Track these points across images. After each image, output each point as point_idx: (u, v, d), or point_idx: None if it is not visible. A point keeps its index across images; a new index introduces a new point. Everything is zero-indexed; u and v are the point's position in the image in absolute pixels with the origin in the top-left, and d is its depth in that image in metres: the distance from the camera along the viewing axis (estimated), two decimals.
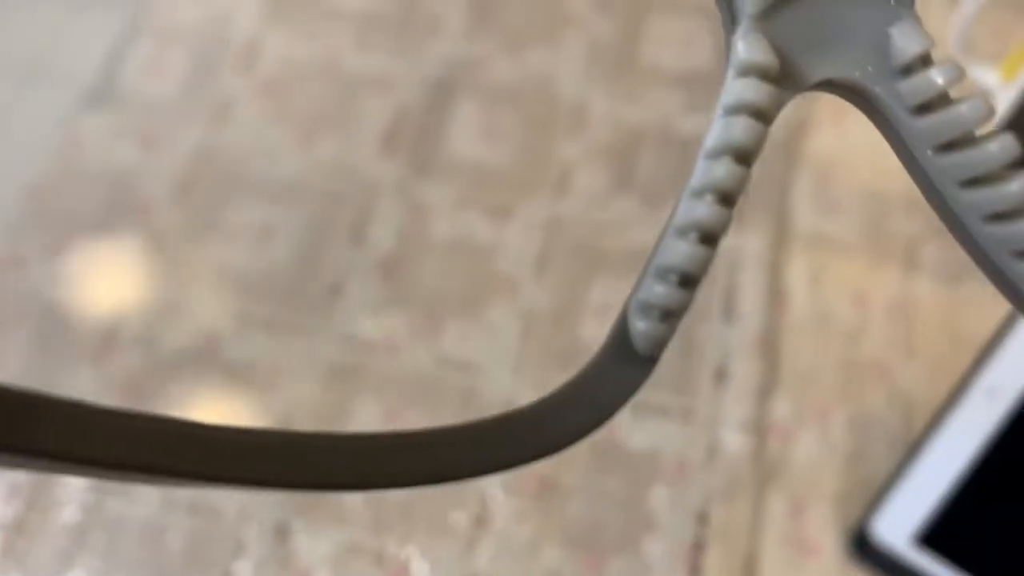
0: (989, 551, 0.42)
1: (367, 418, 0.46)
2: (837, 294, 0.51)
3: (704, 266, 0.13)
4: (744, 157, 0.12)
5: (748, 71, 0.11)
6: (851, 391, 0.48)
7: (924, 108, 0.11)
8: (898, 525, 0.43)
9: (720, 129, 0.12)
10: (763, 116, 0.11)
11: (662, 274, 0.13)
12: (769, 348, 0.49)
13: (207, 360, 0.48)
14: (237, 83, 0.58)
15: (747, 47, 0.11)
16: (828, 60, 0.11)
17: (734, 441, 0.46)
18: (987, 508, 0.41)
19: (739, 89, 0.12)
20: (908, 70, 0.11)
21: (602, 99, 0.57)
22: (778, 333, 0.50)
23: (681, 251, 0.13)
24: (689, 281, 0.13)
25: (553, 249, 0.51)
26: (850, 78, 0.11)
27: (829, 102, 0.60)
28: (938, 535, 0.42)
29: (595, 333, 0.49)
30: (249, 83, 0.58)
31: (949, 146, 0.12)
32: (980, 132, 0.12)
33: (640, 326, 0.13)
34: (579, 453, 0.45)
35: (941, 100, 0.11)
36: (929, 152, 0.12)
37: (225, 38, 0.60)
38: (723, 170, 0.12)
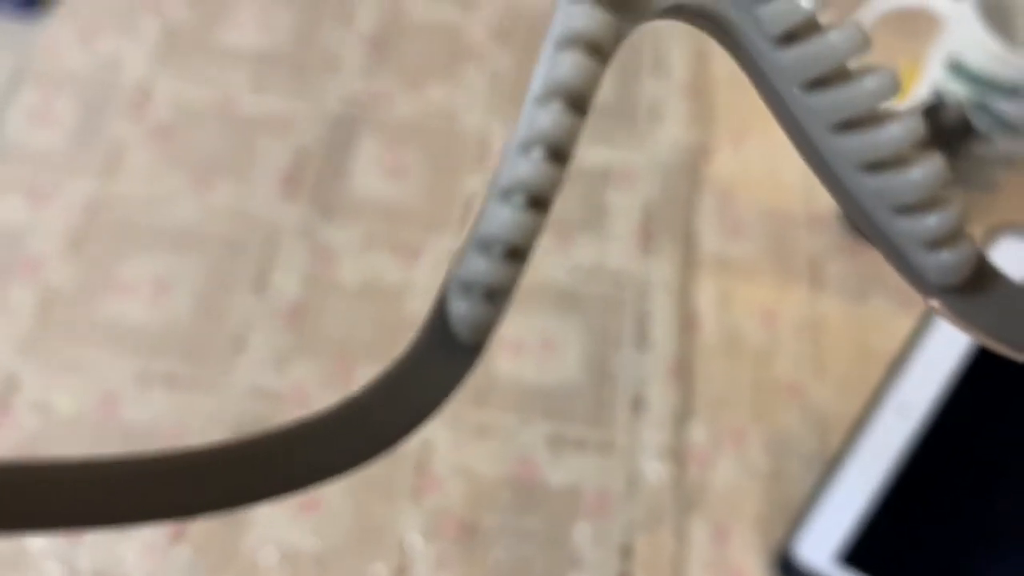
0: (911, 566, 0.42)
1: None
2: (746, 315, 0.51)
3: (533, 234, 0.11)
4: (577, 101, 0.10)
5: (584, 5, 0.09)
6: (765, 412, 0.49)
7: (789, 38, 0.10)
8: (820, 545, 0.43)
9: (548, 67, 0.10)
10: (598, 50, 0.10)
11: (484, 246, 0.11)
12: (683, 374, 0.49)
13: (105, 423, 0.45)
14: (128, 129, 0.56)
15: None
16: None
17: (654, 470, 0.46)
18: (906, 523, 0.42)
19: (571, 18, 0.10)
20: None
21: (504, 131, 0.57)
22: (691, 358, 0.50)
23: (505, 218, 0.11)
24: (516, 253, 0.11)
25: None
26: (702, 3, 0.10)
27: (729, 125, 0.61)
28: (860, 553, 0.43)
29: (509, 369, 0.48)
30: (141, 129, 0.56)
31: (819, 83, 0.10)
32: (853, 65, 0.10)
33: (460, 308, 0.11)
34: (498, 493, 0.44)
35: (808, 28, 0.09)
36: (795, 90, 0.10)
37: (114, 83, 0.58)
38: (552, 117, 0.10)
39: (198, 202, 0.53)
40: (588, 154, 0.56)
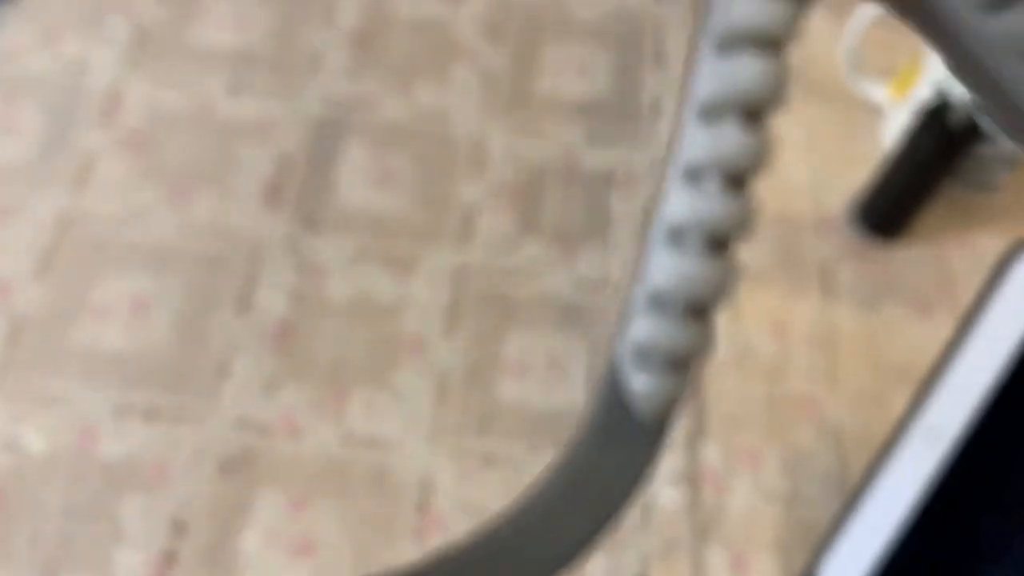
0: None
1: (270, 512, 0.42)
2: (757, 327, 0.49)
3: (716, 285, 0.09)
4: (757, 114, 0.08)
5: None
6: (780, 430, 0.46)
7: (999, 3, 0.08)
8: (846, 574, 0.41)
9: (718, 74, 0.08)
10: (776, 45, 0.07)
11: (657, 304, 0.09)
12: (695, 392, 0.47)
13: (81, 461, 0.42)
14: (98, 138, 0.53)
15: None
16: None
17: (668, 496, 0.44)
18: (936, 553, 0.40)
19: (738, 10, 0.07)
20: None
21: (500, 135, 0.54)
22: (702, 375, 0.47)
23: (677, 267, 0.09)
24: (699, 309, 0.09)
25: (462, 302, 0.48)
26: None
27: None
28: None
29: (515, 393, 0.45)
30: (112, 138, 0.53)
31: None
32: None
33: (639, 382, 0.10)
34: None
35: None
36: (1011, 61, 0.08)
37: (81, 88, 0.54)
38: (730, 136, 0.08)
39: (175, 216, 0.50)
40: (588, 157, 0.53)
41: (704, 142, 0.08)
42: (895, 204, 0.51)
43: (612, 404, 0.10)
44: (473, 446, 0.43)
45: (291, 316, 0.47)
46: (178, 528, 0.41)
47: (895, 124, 0.54)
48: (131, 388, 0.44)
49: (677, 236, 0.09)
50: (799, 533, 0.43)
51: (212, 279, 0.48)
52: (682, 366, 0.09)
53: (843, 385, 0.48)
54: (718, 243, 0.09)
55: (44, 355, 0.45)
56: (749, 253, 0.52)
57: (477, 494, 0.42)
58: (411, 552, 0.41)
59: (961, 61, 0.09)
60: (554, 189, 0.52)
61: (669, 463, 0.44)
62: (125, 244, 0.49)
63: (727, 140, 0.08)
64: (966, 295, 0.50)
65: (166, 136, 0.53)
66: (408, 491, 0.42)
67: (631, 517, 0.43)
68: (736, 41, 0.07)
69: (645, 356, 0.09)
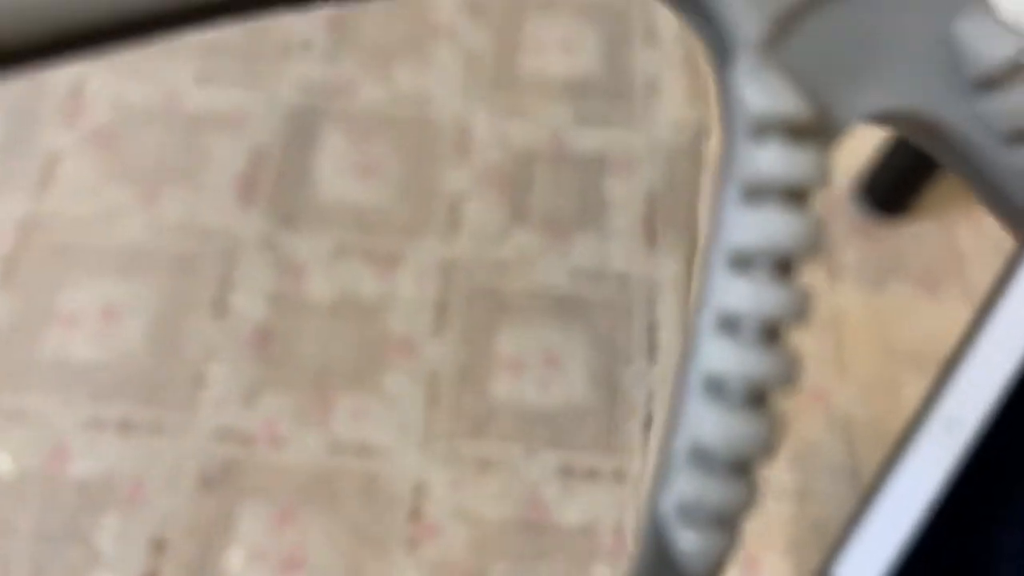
0: None
1: (255, 527, 0.39)
2: None
3: (761, 440, 0.08)
4: (788, 264, 0.08)
5: (769, 129, 0.07)
6: (787, 421, 0.44)
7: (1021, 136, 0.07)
8: (863, 573, 0.39)
9: (746, 224, 0.07)
10: (804, 196, 0.07)
11: (701, 459, 0.08)
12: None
13: (54, 480, 0.40)
14: (61, 136, 0.50)
15: (761, 93, 0.07)
16: (870, 88, 0.07)
17: None
18: (958, 549, 0.38)
19: (763, 162, 0.07)
20: (991, 83, 0.07)
21: (485, 118, 0.51)
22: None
23: (719, 422, 0.08)
24: (743, 465, 0.08)
25: (451, 298, 0.46)
26: (908, 105, 0.07)
27: None
28: None
29: (508, 391, 0.43)
30: (76, 135, 0.50)
31: None
32: None
33: (687, 540, 0.09)
34: (505, 538, 0.40)
35: None
36: None
37: (42, 82, 0.52)
38: (761, 288, 0.08)
39: (145, 216, 0.47)
40: (581, 139, 0.51)
41: (738, 292, 0.08)
42: (900, 179, 0.49)
43: (657, 563, 0.09)
44: (467, 450, 0.41)
45: (270, 319, 0.44)
46: (158, 548, 0.39)
47: None
48: (104, 401, 0.42)
49: (716, 388, 0.08)
50: (811, 531, 0.41)
51: (185, 282, 0.45)
52: (730, 522, 0.09)
53: (851, 372, 0.46)
54: (761, 396, 0.08)
55: (9, 368, 0.43)
56: None
57: (473, 501, 0.40)
58: (405, 564, 0.39)
59: (985, 191, 0.09)
60: (544, 174, 0.49)
61: None
62: (92, 247, 0.46)
63: (762, 292, 0.08)
64: (976, 273, 0.48)
65: (133, 132, 0.50)
66: (400, 500, 0.40)
67: (635, 523, 0.41)
68: (763, 192, 0.07)
69: (691, 513, 0.09)
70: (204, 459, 0.41)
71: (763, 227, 0.07)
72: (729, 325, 0.08)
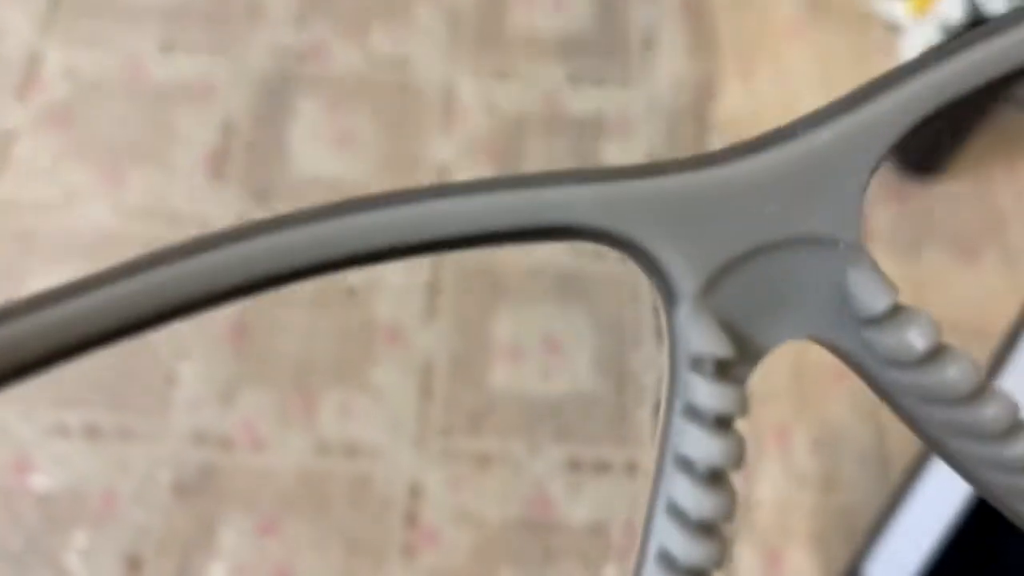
0: None
1: (236, 539, 0.36)
2: None
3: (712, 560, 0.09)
4: (717, 473, 0.09)
5: (703, 363, 0.09)
6: (810, 403, 0.41)
7: (902, 365, 0.09)
8: (895, 568, 0.36)
9: (687, 438, 0.09)
10: (728, 421, 0.09)
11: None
12: None
13: (17, 496, 0.37)
14: (17, 113, 0.46)
15: (698, 335, 0.09)
16: (784, 323, 0.09)
17: None
18: (996, 543, 0.35)
19: (697, 391, 0.09)
20: (874, 322, 0.09)
21: (470, 81, 0.47)
22: None
23: (674, 538, 0.09)
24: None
25: (442, 280, 0.42)
26: (813, 334, 0.09)
27: (735, 52, 0.51)
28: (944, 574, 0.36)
29: (508, 381, 0.40)
30: (32, 111, 0.46)
31: (937, 401, 0.10)
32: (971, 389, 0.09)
33: None
34: (509, 540, 0.37)
35: (922, 361, 0.09)
36: (915, 400, 0.10)
37: None
38: (701, 491, 0.09)
39: (109, 199, 0.44)
40: (575, 100, 0.47)
41: (682, 486, 0.09)
42: (934, 136, 0.45)
43: None
44: (465, 447, 0.38)
45: (246, 310, 0.41)
46: (132, 566, 0.36)
47: (916, 43, 0.48)
48: (68, 406, 0.38)
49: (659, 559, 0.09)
50: (837, 522, 0.38)
51: None
52: None
53: None
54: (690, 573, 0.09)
55: None
56: None
57: (473, 502, 0.37)
58: (402, 574, 0.36)
59: (879, 395, 0.10)
60: (536, 139, 0.46)
61: None
62: (54, 233, 0.43)
63: (697, 491, 0.09)
64: (1016, 236, 0.44)
65: (93, 107, 0.46)
66: (394, 503, 0.37)
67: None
68: (698, 414, 0.09)
69: None
70: (179, 466, 0.37)
71: (698, 443, 0.09)
72: (674, 509, 0.09)
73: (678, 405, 0.09)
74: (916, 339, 0.09)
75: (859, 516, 0.38)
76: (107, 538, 0.36)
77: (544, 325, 0.40)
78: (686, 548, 0.09)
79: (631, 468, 0.38)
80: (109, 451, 0.38)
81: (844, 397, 0.41)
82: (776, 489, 0.39)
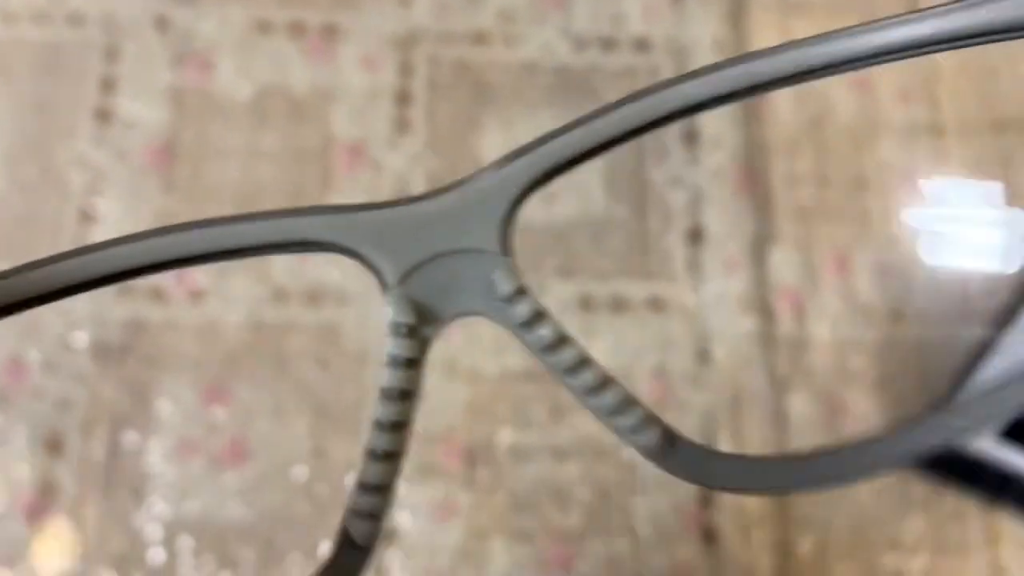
0: None
1: (176, 410, 0.30)
2: (832, 81, 0.35)
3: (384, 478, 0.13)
4: (406, 395, 0.13)
5: (398, 328, 0.13)
6: (869, 223, 0.34)
7: (525, 325, 0.13)
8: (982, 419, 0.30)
9: (385, 377, 0.13)
10: (413, 363, 0.13)
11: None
12: (754, 179, 0.33)
13: None
14: None
15: (396, 310, 0.13)
16: (457, 304, 0.13)
17: (731, 330, 0.32)
18: None
19: (392, 346, 0.13)
20: (509, 300, 0.13)
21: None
22: (762, 153, 0.34)
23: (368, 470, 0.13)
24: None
25: (414, 84, 0.34)
26: (474, 310, 0.13)
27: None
28: None
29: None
30: None
31: (546, 349, 0.13)
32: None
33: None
34: (514, 396, 0.30)
35: (532, 321, 0.13)
36: (540, 352, 0.13)
37: None
38: (389, 408, 0.13)
39: None
40: None
41: (376, 410, 0.13)
42: None
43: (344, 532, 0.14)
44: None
45: (172, 129, 0.33)
46: (52, 448, 0.29)
47: None
48: None
49: (366, 453, 0.14)
50: (907, 367, 0.32)
51: (53, 87, 0.33)
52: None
53: (948, 151, 0.35)
54: (386, 456, 0.13)
55: None
56: None
57: (466, 356, 0.30)
58: None
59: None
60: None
61: (725, 287, 0.32)
62: None
63: (386, 410, 0.13)
64: None
65: None
66: (367, 358, 0.30)
67: (684, 363, 0.31)
68: (392, 361, 0.13)
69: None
70: (100, 325, 0.30)
71: (391, 376, 0.13)
72: (377, 423, 0.13)
73: (385, 357, 0.13)
74: (523, 309, 0.13)
75: (934, 353, 0.31)
76: (16, 418, 0.29)
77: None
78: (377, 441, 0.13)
79: (656, 305, 0.31)
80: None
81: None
82: (834, 328, 0.32)
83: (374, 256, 0.13)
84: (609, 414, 0.13)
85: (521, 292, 0.13)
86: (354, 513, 0.13)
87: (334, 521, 0.29)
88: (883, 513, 0.30)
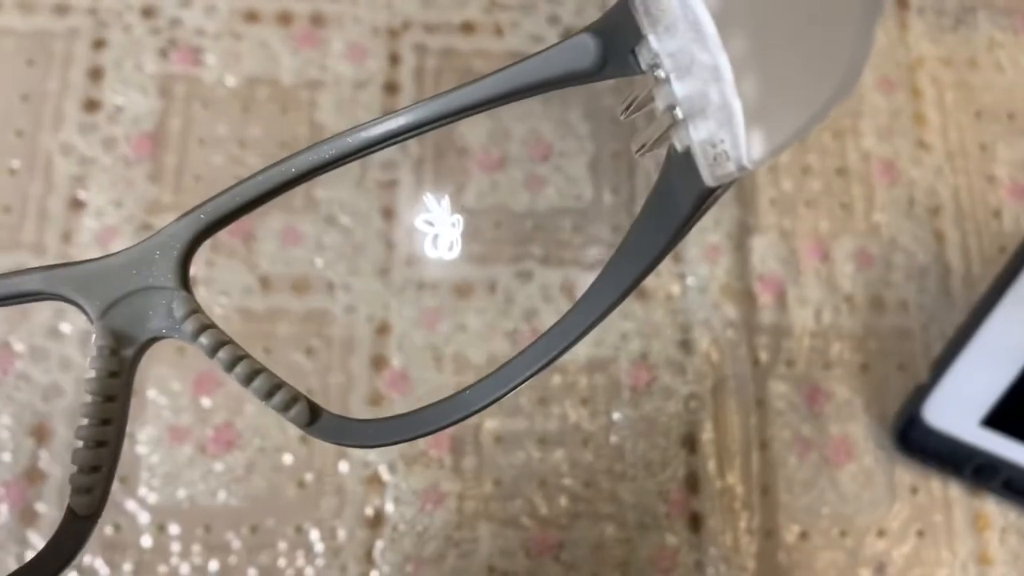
0: None
1: (166, 397, 0.30)
2: None
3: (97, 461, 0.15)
4: (111, 398, 0.15)
5: (100, 351, 0.15)
6: (850, 207, 0.34)
7: (194, 336, 0.15)
8: (956, 404, 0.30)
9: (92, 386, 0.15)
10: (115, 374, 0.15)
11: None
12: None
13: None
14: None
15: (95, 336, 0.15)
16: (145, 327, 0.15)
17: (709, 326, 0.32)
18: None
19: (98, 364, 0.15)
20: (183, 320, 0.15)
21: None
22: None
23: (80, 455, 0.15)
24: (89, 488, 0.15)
25: (401, 74, 0.34)
26: (161, 332, 0.15)
27: None
28: (1007, 413, 0.30)
29: (486, 192, 0.32)
30: None
31: (211, 352, 0.16)
32: None
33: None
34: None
35: (198, 333, 0.15)
36: (208, 354, 0.16)
37: None
38: (96, 408, 0.15)
39: None
40: None
41: (83, 408, 0.16)
42: None
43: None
44: (438, 277, 0.31)
45: (159, 118, 0.33)
46: (39, 437, 0.29)
47: None
48: None
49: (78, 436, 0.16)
50: (887, 354, 0.32)
51: (37, 77, 0.33)
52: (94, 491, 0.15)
53: (933, 139, 0.35)
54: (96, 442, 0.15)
55: None
56: None
57: (445, 341, 0.30)
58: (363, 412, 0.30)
59: None
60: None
61: (708, 275, 0.32)
62: None
63: (87, 410, 0.15)
64: None
65: None
66: (361, 343, 0.30)
67: (668, 352, 0.31)
68: (94, 379, 0.15)
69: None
70: None
71: (93, 384, 0.15)
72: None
73: (93, 372, 0.15)
74: None
75: (915, 344, 0.32)
76: (2, 405, 0.30)
77: (530, 123, 0.33)
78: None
79: (639, 292, 0.32)
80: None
81: (896, 195, 0.34)
82: (815, 316, 0.32)
83: (80, 299, 0.15)
84: (264, 396, 0.15)
85: (192, 312, 0.15)
86: (75, 490, 0.15)
87: (322, 507, 0.29)
88: (868, 500, 0.31)
